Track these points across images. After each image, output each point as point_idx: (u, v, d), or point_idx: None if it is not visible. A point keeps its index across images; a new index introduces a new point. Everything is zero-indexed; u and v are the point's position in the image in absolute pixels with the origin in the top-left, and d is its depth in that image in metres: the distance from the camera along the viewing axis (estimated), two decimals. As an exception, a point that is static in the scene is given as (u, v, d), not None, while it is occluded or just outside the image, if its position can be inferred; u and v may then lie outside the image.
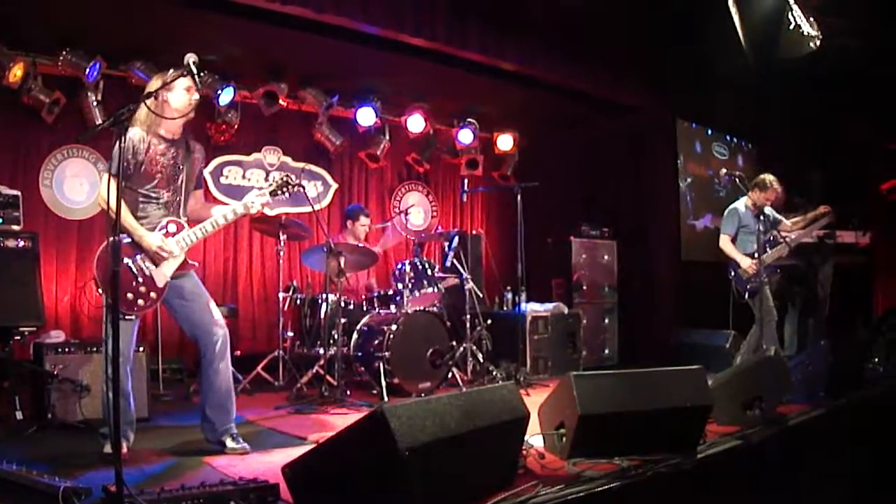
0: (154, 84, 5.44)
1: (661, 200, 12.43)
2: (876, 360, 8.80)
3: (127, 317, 5.46)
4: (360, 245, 9.34)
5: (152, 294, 5.52)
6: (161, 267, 5.55)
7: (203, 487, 3.97)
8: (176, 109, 5.59)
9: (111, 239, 4.00)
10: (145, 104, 5.21)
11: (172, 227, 5.62)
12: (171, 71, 5.42)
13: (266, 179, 10.89)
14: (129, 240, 5.45)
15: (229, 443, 5.69)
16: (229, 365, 5.85)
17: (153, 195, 5.59)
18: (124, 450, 5.29)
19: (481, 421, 4.15)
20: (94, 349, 6.87)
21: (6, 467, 4.25)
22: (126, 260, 5.42)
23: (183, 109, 5.63)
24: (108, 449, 5.23)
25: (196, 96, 5.65)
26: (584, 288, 11.64)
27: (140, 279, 5.46)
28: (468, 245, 10.90)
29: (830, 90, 11.52)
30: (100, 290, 5.40)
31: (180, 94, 5.58)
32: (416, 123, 11.66)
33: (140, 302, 5.47)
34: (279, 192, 6.03)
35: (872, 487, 6.61)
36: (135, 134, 5.46)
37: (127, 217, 5.40)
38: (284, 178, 6.08)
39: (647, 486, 4.68)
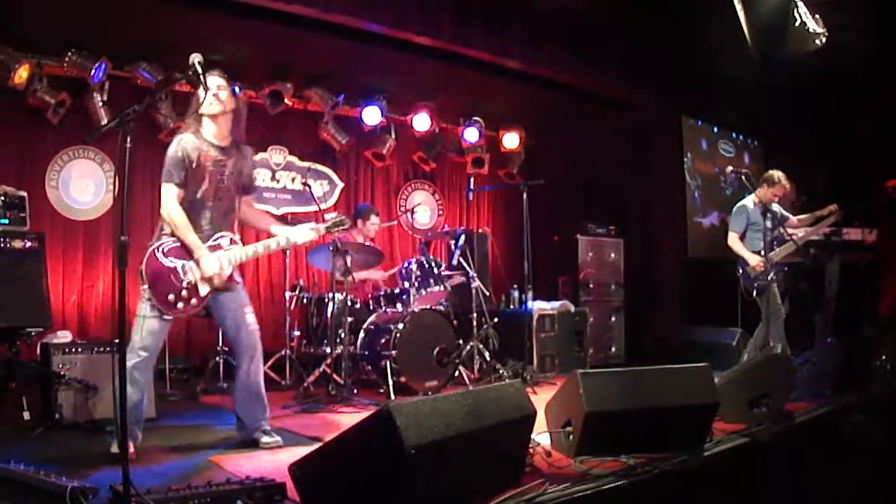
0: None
1: (668, 198, 12.43)
2: (883, 357, 8.77)
3: (164, 317, 5.53)
4: (367, 244, 9.35)
5: (193, 301, 5.57)
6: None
7: (210, 486, 3.97)
8: (203, 113, 5.65)
9: (122, 238, 3.99)
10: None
11: (225, 242, 5.67)
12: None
13: (273, 179, 10.91)
14: (180, 244, 5.52)
15: (263, 438, 5.77)
16: (261, 369, 5.95)
17: (201, 203, 5.62)
18: (132, 449, 5.36)
19: (488, 419, 4.15)
20: (102, 349, 6.89)
21: (14, 467, 4.26)
22: (176, 262, 5.49)
23: (209, 113, 5.67)
24: (115, 448, 5.24)
25: (214, 95, 5.64)
26: (591, 286, 11.65)
27: (185, 284, 5.51)
28: (474, 243, 10.88)
29: (836, 87, 11.51)
30: (144, 286, 5.43)
31: (206, 99, 5.58)
32: (421, 122, 11.66)
33: (180, 305, 5.52)
34: (333, 230, 6.11)
35: (879, 486, 6.59)
36: (187, 141, 5.54)
37: (189, 234, 5.49)
38: (340, 219, 6.19)
39: (654, 484, 4.68)
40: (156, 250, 5.44)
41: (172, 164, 5.40)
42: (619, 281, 12.16)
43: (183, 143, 5.50)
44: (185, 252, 5.51)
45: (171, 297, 5.46)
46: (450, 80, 10.72)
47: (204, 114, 5.64)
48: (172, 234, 5.51)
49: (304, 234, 5.95)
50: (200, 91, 5.45)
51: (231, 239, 5.70)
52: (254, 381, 5.86)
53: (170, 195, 5.42)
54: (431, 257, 9.31)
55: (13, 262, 6.92)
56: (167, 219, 5.43)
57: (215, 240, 5.62)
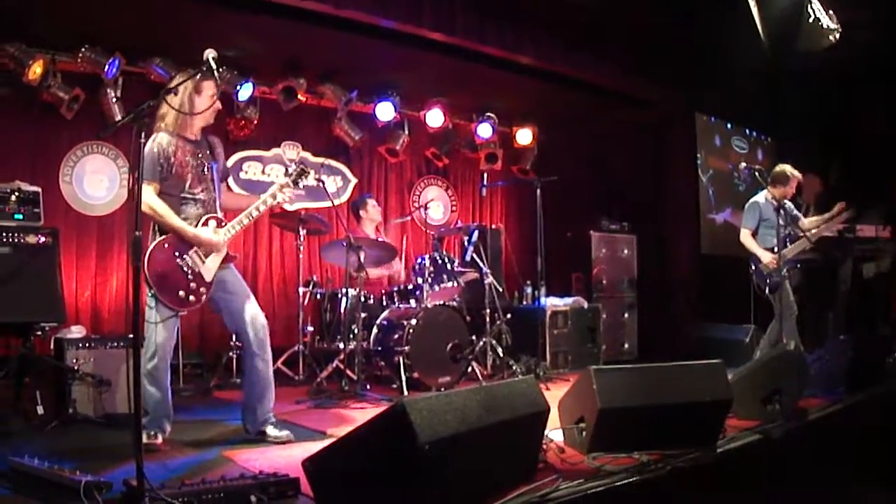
0: (178, 80, 5.56)
1: (681, 194, 12.41)
2: (897, 354, 8.75)
3: (179, 313, 5.65)
4: (380, 240, 9.37)
5: (202, 289, 5.65)
6: (207, 261, 5.67)
7: (223, 481, 3.98)
8: (200, 113, 5.71)
9: (136, 233, 4.01)
10: (165, 101, 5.26)
11: (213, 223, 5.73)
12: (191, 70, 5.46)
13: (286, 175, 10.88)
14: (172, 237, 5.58)
15: (271, 430, 5.83)
16: (270, 358, 5.97)
17: (189, 196, 5.72)
18: (160, 440, 5.55)
19: (501, 415, 4.14)
20: (115, 344, 6.92)
21: (28, 462, 4.29)
22: (175, 257, 5.55)
23: (207, 115, 5.82)
24: (145, 439, 5.28)
25: (217, 104, 5.85)
26: (604, 282, 11.65)
27: (190, 276, 5.59)
28: (488, 239, 10.90)
29: (850, 83, 11.48)
30: (152, 291, 5.49)
31: (206, 100, 5.73)
32: (435, 118, 11.65)
33: (191, 298, 5.60)
34: (299, 180, 6.11)
35: (894, 483, 6.58)
36: (163, 139, 5.62)
37: (174, 220, 5.56)
38: (301, 168, 6.17)
39: (667, 481, 4.67)
40: (152, 253, 5.48)
41: (148, 163, 5.44)
42: (632, 277, 12.16)
43: (158, 141, 5.58)
44: (178, 244, 5.57)
45: (181, 293, 5.53)
46: (463, 76, 10.70)
47: (195, 115, 5.74)
48: (162, 232, 5.57)
49: (275, 193, 5.99)
50: (206, 91, 5.71)
51: (217, 219, 5.77)
52: (267, 372, 5.91)
53: (147, 191, 5.44)
54: (444, 253, 9.32)
55: (27, 258, 6.93)
56: (149, 213, 5.45)
57: (202, 224, 5.68)
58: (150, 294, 5.53)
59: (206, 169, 5.81)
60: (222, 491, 3.90)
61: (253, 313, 5.86)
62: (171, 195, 5.61)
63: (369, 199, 10.16)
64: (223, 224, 5.76)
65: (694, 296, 12.09)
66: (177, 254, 5.54)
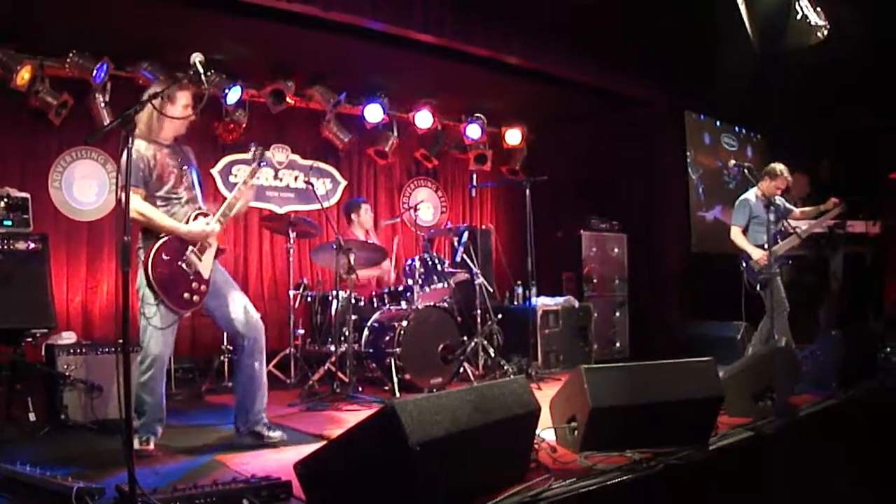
0: (157, 88, 5.56)
1: (671, 193, 12.41)
2: (888, 350, 8.76)
3: (183, 314, 5.72)
4: (369, 241, 9.37)
5: (202, 287, 5.71)
6: (204, 258, 5.71)
7: (215, 486, 3.98)
8: (172, 122, 5.72)
9: (125, 239, 4.00)
10: (152, 104, 5.24)
11: (201, 219, 5.77)
12: (179, 73, 5.47)
13: (276, 177, 10.92)
14: (170, 240, 5.60)
15: (265, 432, 5.85)
16: (264, 361, 5.99)
17: (174, 196, 5.75)
18: (152, 446, 5.55)
19: (493, 415, 4.15)
20: (106, 350, 6.91)
21: (20, 468, 4.28)
22: (176, 260, 5.57)
23: (177, 125, 5.81)
24: (137, 445, 5.28)
25: (190, 113, 5.83)
26: (595, 281, 11.64)
27: (192, 276, 5.63)
28: (478, 240, 10.90)
29: (839, 80, 11.49)
30: (158, 299, 5.50)
31: (178, 110, 5.73)
32: (424, 119, 11.64)
33: (195, 298, 5.66)
34: (262, 160, 6.25)
35: (885, 479, 6.59)
36: (140, 145, 5.59)
37: (164, 219, 5.59)
38: (260, 149, 6.30)
39: (659, 479, 4.68)
40: (154, 259, 5.48)
41: (135, 168, 5.43)
42: (623, 276, 12.15)
43: (136, 147, 5.49)
44: (175, 246, 5.60)
45: (185, 295, 5.59)
46: (451, 77, 10.69)
47: (172, 120, 5.73)
48: (148, 236, 5.60)
49: (246, 179, 6.04)
50: (180, 101, 5.72)
51: (203, 214, 5.81)
52: (260, 375, 5.92)
53: (134, 197, 5.42)
54: (435, 254, 9.32)
55: (17, 264, 6.91)
56: (140, 218, 5.48)
57: (192, 220, 5.73)
58: (152, 302, 5.51)
59: (185, 171, 5.84)
60: (214, 495, 3.91)
61: (246, 312, 5.87)
62: (156, 198, 5.64)
63: (364, 204, 10.14)
64: (206, 215, 5.80)
65: (685, 293, 12.09)
66: (176, 256, 5.57)
